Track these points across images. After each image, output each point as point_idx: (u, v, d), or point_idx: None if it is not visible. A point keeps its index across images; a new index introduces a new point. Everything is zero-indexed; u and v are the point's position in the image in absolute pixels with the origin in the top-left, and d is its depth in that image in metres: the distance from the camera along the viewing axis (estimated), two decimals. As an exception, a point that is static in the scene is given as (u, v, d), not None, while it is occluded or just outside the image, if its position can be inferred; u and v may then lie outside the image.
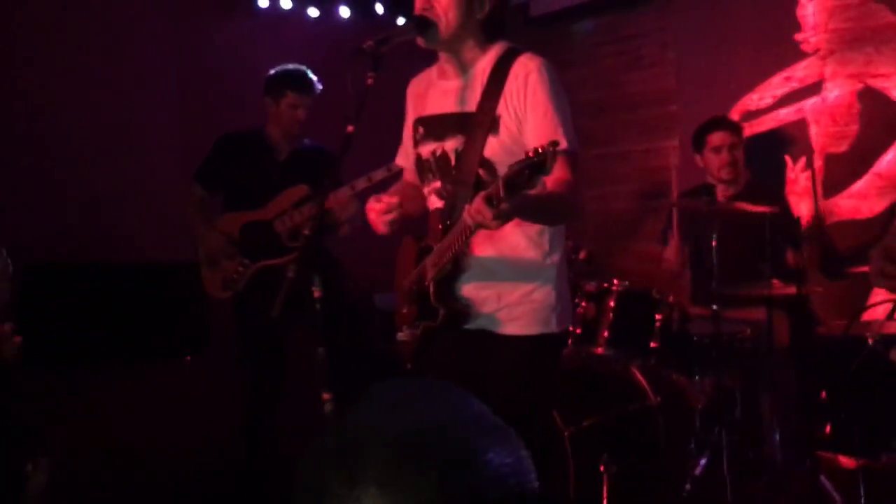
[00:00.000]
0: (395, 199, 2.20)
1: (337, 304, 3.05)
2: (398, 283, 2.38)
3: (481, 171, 2.16)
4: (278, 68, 3.80)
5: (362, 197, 3.56)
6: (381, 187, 2.52)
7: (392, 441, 0.81)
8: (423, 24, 2.17)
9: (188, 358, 4.48)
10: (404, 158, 2.48)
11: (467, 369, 2.21)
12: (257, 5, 5.10)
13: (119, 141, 4.80)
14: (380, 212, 2.19)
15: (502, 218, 1.85)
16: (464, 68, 2.24)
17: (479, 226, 1.90)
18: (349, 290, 3.75)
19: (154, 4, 5.01)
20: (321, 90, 3.79)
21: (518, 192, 1.79)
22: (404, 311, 2.32)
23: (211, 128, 3.97)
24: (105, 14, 4.85)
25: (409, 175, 2.49)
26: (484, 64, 2.22)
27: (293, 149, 3.81)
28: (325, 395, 2.06)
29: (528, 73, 2.15)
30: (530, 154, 1.77)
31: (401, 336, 2.31)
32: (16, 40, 4.61)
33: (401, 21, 5.43)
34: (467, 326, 2.20)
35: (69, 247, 4.46)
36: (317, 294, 2.08)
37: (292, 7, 5.19)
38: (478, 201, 1.85)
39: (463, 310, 2.19)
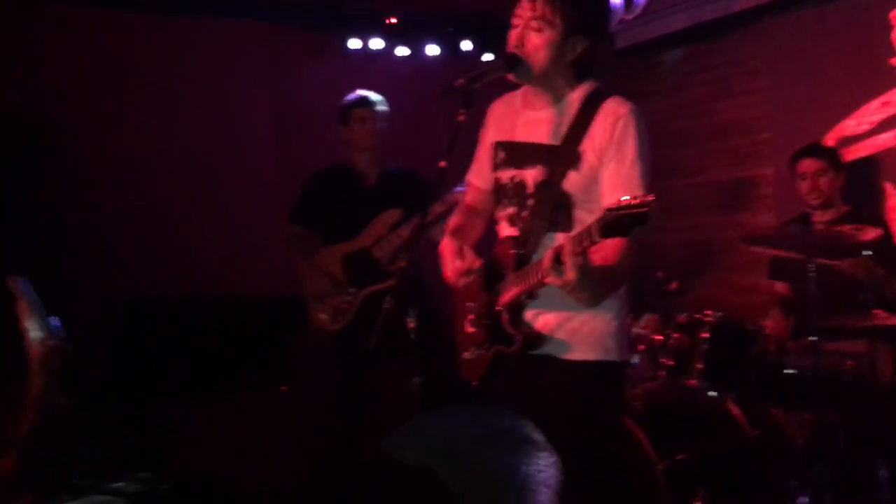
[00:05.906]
0: (479, 263, 2.25)
1: (432, 335, 3.10)
2: (460, 304, 2.41)
3: (559, 204, 2.19)
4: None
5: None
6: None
7: None
8: (513, 62, 2.22)
9: (284, 388, 4.61)
10: (477, 176, 2.50)
11: (532, 393, 2.25)
12: (348, 47, 5.28)
13: (217, 179, 5.03)
14: (460, 270, 2.25)
15: (577, 272, 1.90)
16: (551, 102, 2.28)
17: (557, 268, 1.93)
18: (443, 319, 3.79)
19: (252, 48, 5.25)
20: (412, 123, 3.84)
21: (611, 236, 1.82)
22: (470, 330, 2.35)
23: (305, 165, 4.09)
24: (206, 61, 5.11)
25: (473, 194, 2.51)
26: (571, 101, 2.25)
27: (380, 173, 3.85)
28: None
29: (618, 117, 2.16)
30: (634, 201, 1.76)
31: (467, 356, 2.34)
32: (121, 81, 4.89)
33: (488, 57, 5.52)
34: (535, 352, 2.23)
35: (169, 282, 4.66)
36: (411, 325, 2.12)
37: (382, 47, 5.35)
38: (560, 246, 1.91)
39: (537, 336, 2.22)
